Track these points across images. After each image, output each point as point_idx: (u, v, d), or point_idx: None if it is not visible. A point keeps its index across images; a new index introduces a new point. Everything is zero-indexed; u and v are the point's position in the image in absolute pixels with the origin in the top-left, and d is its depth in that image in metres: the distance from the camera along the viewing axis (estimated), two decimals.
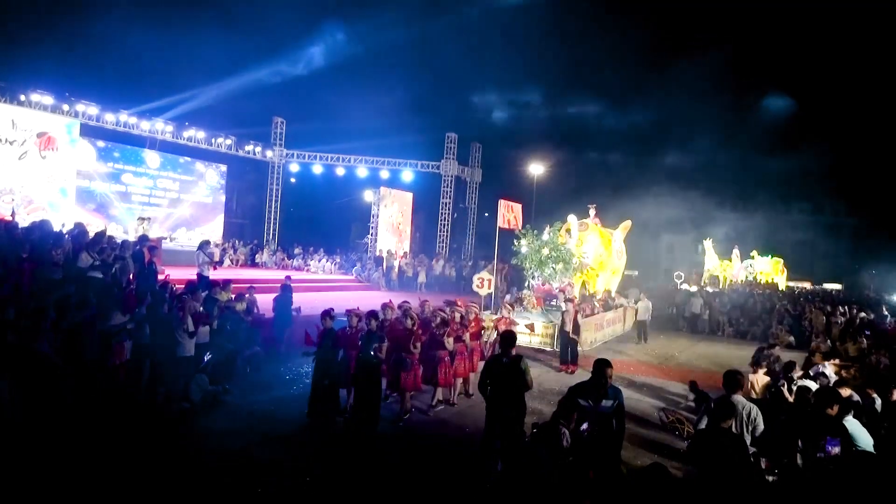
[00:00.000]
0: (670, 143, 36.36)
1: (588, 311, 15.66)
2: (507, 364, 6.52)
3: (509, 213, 15.92)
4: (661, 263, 39.57)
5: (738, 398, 5.96)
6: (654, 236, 42.72)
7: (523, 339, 13.41)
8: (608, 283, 19.16)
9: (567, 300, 13.63)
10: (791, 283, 36.33)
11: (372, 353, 7.93)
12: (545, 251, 16.40)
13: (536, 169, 31.52)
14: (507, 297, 16.20)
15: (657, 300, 23.13)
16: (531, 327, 13.81)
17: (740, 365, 9.44)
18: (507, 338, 6.95)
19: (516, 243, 16.90)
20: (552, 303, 15.80)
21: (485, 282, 15.94)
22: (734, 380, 6.07)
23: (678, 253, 40.11)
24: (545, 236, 16.74)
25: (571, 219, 17.46)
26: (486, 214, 33.37)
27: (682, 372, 13.46)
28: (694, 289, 26.59)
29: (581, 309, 14.63)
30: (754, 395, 8.27)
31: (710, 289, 26.52)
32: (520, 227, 16.58)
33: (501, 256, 20.22)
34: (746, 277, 31.24)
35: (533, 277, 16.87)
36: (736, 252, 32.15)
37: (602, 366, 5.81)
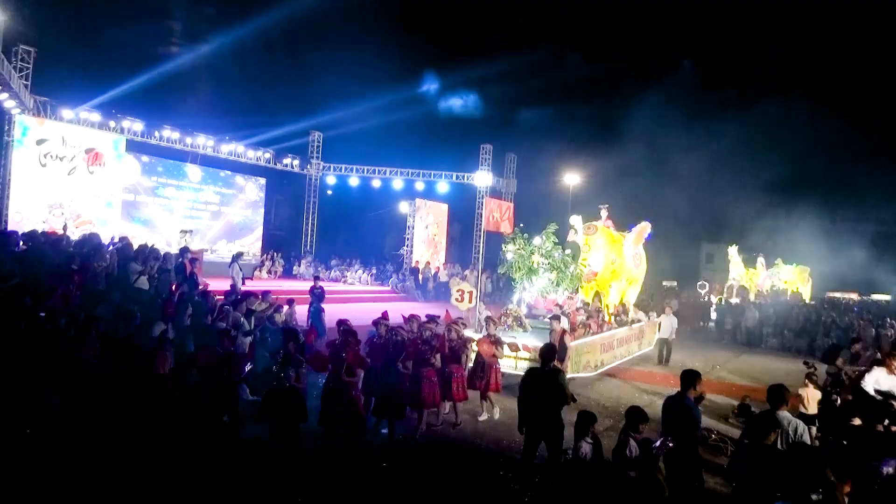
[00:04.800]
0: (710, 148, 35.57)
1: (594, 328, 13.53)
2: (544, 376, 6.46)
3: (496, 214, 14.04)
4: (699, 273, 38.79)
5: (784, 413, 5.80)
6: (694, 245, 42.04)
7: (507, 363, 10.96)
8: (623, 293, 16.64)
9: (552, 317, 11.45)
10: (837, 295, 35.27)
11: (286, 380, 7.03)
12: (535, 258, 14.06)
13: (572, 179, 31.32)
14: (488, 312, 13.74)
15: (690, 311, 22.75)
16: (514, 347, 10.63)
17: (786, 379, 9.20)
18: (547, 350, 6.88)
19: (504, 248, 14.79)
20: (545, 319, 13.64)
21: (465, 294, 13.75)
22: (779, 394, 5.91)
23: (718, 262, 39.31)
24: (537, 241, 14.41)
25: (575, 220, 15.40)
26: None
27: (723, 385, 13.17)
28: (735, 299, 26.03)
29: (587, 325, 12.95)
30: (805, 410, 8.05)
31: (734, 300, 25.88)
32: (508, 230, 14.49)
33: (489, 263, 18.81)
34: (772, 287, 30.23)
35: (523, 289, 14.53)
36: (761, 261, 31.16)
37: (692, 377, 5.94)
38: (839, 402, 7.33)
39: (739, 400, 10.11)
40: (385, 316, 8.94)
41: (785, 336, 20.42)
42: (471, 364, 9.64)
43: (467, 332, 10.19)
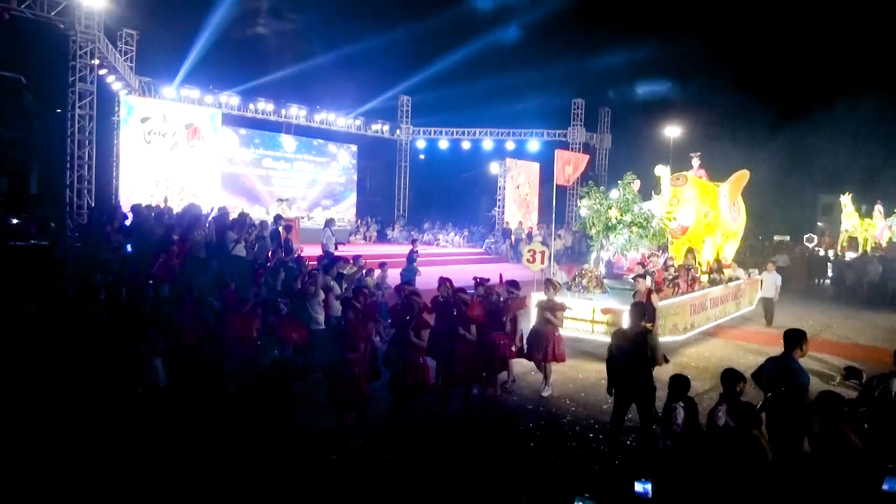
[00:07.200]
0: (828, 87, 32.42)
1: (683, 288, 12.36)
2: (632, 337, 6.14)
3: (567, 167, 12.42)
4: (815, 227, 36.04)
5: None
6: (810, 196, 39.07)
7: (580, 328, 10.70)
8: (720, 249, 15.27)
9: (636, 276, 10.61)
10: None
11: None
12: (612, 213, 12.63)
13: (672, 131, 29.79)
14: (563, 273, 13.06)
15: (803, 266, 21.27)
16: (561, 307, 9.34)
17: None
18: (637, 309, 6.55)
19: (579, 203, 13.40)
20: (627, 278, 12.72)
21: (536, 255, 12.56)
22: None
23: (836, 215, 36.38)
24: (614, 194, 13.05)
25: (661, 170, 13.90)
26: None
27: (840, 345, 12.23)
28: (851, 253, 24.00)
29: (674, 285, 11.92)
30: None
31: (850, 253, 23.72)
32: (579, 184, 12.94)
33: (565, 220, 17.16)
34: (890, 239, 27.30)
35: (601, 247, 13.21)
36: (879, 208, 28.12)
37: (797, 336, 5.53)
38: None
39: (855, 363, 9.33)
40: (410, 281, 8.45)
41: None
42: (525, 332, 8.84)
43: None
